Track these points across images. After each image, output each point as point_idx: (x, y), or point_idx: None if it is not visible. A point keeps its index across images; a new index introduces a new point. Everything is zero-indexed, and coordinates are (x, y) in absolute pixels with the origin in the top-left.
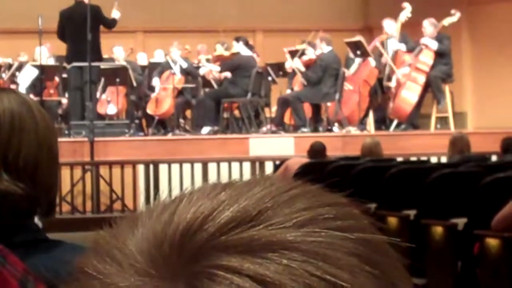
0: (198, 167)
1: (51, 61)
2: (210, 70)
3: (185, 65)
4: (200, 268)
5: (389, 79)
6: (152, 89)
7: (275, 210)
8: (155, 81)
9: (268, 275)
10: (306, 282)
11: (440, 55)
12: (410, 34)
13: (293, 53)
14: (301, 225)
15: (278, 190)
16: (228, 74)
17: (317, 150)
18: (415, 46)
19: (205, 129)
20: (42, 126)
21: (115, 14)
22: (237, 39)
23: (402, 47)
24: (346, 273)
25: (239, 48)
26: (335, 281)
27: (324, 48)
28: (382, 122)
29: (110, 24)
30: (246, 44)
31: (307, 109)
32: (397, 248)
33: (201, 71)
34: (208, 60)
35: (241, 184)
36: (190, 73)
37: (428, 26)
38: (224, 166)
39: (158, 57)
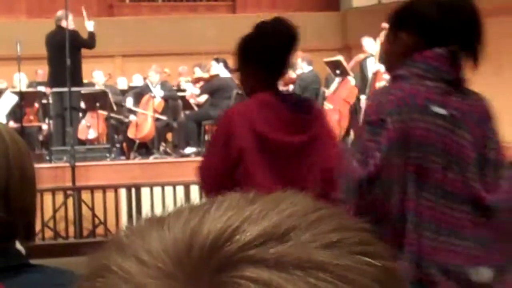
0: (180, 190)
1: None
2: (192, 94)
3: (162, 93)
4: (228, 278)
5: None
6: (132, 112)
7: (303, 229)
8: (129, 102)
9: None
10: None
11: None
12: None
13: None
14: (328, 246)
15: (304, 209)
16: (204, 99)
17: None
18: None
19: (189, 149)
20: (13, 149)
21: (89, 26)
22: (217, 60)
23: (381, 67)
24: None
25: (219, 69)
26: None
27: (304, 68)
28: None
29: (89, 42)
30: (226, 65)
31: None
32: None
33: (185, 93)
34: (188, 82)
35: (268, 199)
36: (169, 99)
37: None
38: None
39: (137, 81)
